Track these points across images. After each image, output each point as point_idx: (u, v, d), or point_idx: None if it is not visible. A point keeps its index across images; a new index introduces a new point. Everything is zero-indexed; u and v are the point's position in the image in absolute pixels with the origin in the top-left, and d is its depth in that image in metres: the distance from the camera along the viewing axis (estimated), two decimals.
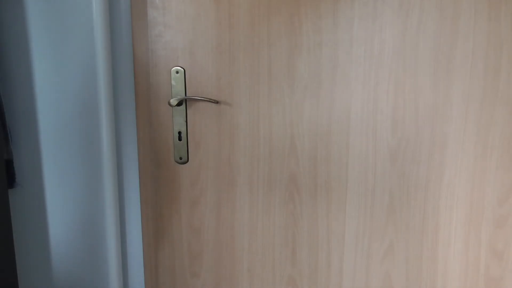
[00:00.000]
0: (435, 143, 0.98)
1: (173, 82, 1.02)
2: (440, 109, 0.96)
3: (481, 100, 0.95)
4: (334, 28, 0.96)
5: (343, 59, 0.97)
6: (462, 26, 0.92)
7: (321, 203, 1.04)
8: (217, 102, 1.02)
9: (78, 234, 1.08)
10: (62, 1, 0.97)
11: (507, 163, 0.96)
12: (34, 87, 1.01)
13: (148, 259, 1.13)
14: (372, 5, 0.94)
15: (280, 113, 1.01)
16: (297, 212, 1.06)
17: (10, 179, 1.03)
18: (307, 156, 1.02)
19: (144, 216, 1.11)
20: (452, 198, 1.00)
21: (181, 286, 1.13)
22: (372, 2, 0.94)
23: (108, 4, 0.98)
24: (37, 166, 1.04)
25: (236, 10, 0.98)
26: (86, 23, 0.97)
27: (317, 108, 1.00)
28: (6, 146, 1.00)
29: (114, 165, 1.05)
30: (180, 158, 1.06)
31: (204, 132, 1.04)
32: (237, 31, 0.99)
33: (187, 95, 1.03)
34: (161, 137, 1.06)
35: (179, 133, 1.04)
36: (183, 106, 1.03)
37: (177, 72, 1.02)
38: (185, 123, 1.04)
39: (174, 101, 1.00)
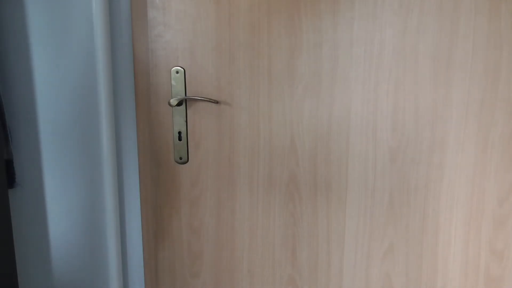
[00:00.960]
0: (435, 143, 0.98)
1: (173, 82, 1.02)
2: (440, 109, 0.96)
3: (481, 100, 0.95)
4: (334, 28, 0.96)
5: (343, 59, 0.97)
6: (462, 26, 0.92)
7: (321, 203, 1.04)
8: (217, 102, 1.02)
9: (78, 234, 1.08)
10: (62, 1, 0.97)
11: (507, 163, 0.96)
12: (34, 87, 1.01)
13: (148, 259, 1.13)
14: (372, 5, 0.94)
15: (280, 113, 1.01)
16: (297, 212, 1.06)
17: (10, 179, 1.03)
18: (307, 156, 1.02)
19: (144, 216, 1.11)
20: (452, 198, 1.00)
21: (181, 286, 1.13)
22: (372, 2, 0.94)
23: (108, 4, 0.98)
24: (37, 166, 1.04)
25: (236, 10, 0.98)
26: (86, 23, 0.97)
27: (317, 108, 1.00)
28: (6, 146, 1.00)
29: (114, 165, 1.05)
30: (180, 158, 1.06)
31: (204, 132, 1.04)
32: (237, 31, 0.99)
33: (187, 95, 1.03)
34: (161, 137, 1.06)
35: (179, 133, 1.04)
36: (183, 106, 1.03)
37: (177, 72, 1.02)
38: (185, 123, 1.04)
39: (174, 101, 1.00)
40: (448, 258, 1.03)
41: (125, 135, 1.06)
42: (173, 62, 1.01)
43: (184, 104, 1.03)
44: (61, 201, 1.06)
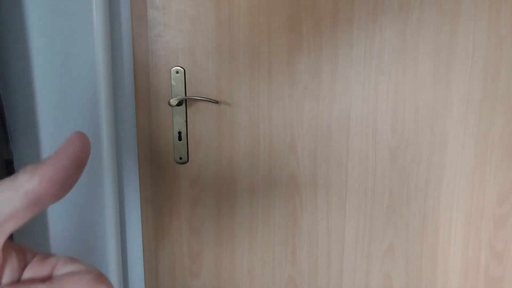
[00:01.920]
0: (435, 143, 0.98)
1: (173, 82, 1.02)
2: (440, 109, 0.96)
3: (481, 100, 0.95)
4: (334, 28, 0.96)
5: (343, 59, 0.97)
6: (462, 26, 0.92)
7: (321, 203, 1.04)
8: (217, 102, 1.02)
9: (78, 234, 1.08)
10: (62, 1, 0.97)
11: (507, 163, 0.96)
12: (34, 87, 1.01)
13: (148, 259, 1.13)
14: (372, 5, 0.94)
15: (280, 113, 1.01)
16: (297, 212, 1.05)
17: None
18: (307, 156, 1.02)
19: (144, 216, 1.11)
20: (452, 198, 1.00)
21: (181, 286, 1.13)
22: (372, 2, 0.94)
23: (108, 4, 0.98)
24: None
25: (236, 10, 0.98)
26: (86, 23, 0.97)
27: (317, 108, 1.00)
28: (6, 146, 1.00)
29: (114, 165, 1.05)
30: (180, 158, 1.06)
31: (204, 132, 1.04)
32: (237, 31, 0.99)
33: (187, 95, 1.02)
34: (161, 137, 1.06)
35: (179, 133, 1.04)
36: (183, 106, 1.03)
37: (177, 72, 1.01)
38: (185, 123, 1.04)
39: (174, 101, 1.00)
40: (448, 258, 1.03)
41: (125, 135, 1.06)
42: (173, 62, 1.01)
43: (184, 104, 1.03)
44: (61, 201, 1.06)
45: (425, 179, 1.00)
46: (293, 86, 1.00)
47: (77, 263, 0.22)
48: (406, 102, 0.97)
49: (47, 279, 0.21)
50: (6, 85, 1.01)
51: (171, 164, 1.07)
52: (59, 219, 1.07)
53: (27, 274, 0.21)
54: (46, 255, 0.22)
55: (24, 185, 0.18)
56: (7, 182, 0.18)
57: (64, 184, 0.19)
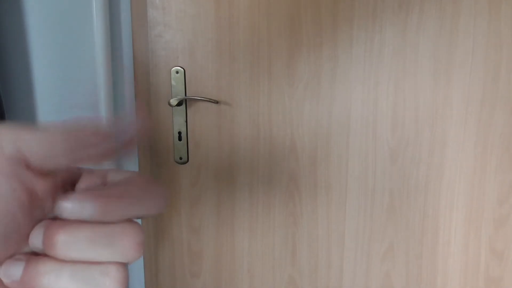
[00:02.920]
0: (435, 143, 0.98)
1: (173, 82, 1.02)
2: (440, 109, 0.96)
3: (481, 100, 0.95)
4: (334, 28, 0.96)
5: (343, 59, 0.97)
6: (462, 26, 0.92)
7: (321, 203, 1.04)
8: (217, 102, 1.02)
9: None
10: (62, 1, 0.97)
11: (507, 163, 0.96)
12: (34, 87, 1.01)
13: (148, 259, 1.13)
14: (372, 5, 0.94)
15: (280, 112, 1.01)
16: (297, 212, 1.05)
17: None
18: (307, 156, 1.02)
19: None
20: (452, 198, 1.00)
21: (181, 286, 1.13)
22: (372, 2, 0.94)
23: (108, 4, 0.98)
24: None
25: (236, 10, 0.98)
26: (86, 23, 0.97)
27: (317, 108, 1.00)
28: None
29: (114, 165, 1.05)
30: (180, 158, 1.06)
31: (204, 132, 1.04)
32: (237, 31, 0.99)
33: (187, 95, 1.02)
34: (161, 137, 1.06)
35: (179, 133, 1.04)
36: (183, 106, 1.03)
37: (177, 72, 1.01)
38: (185, 123, 1.04)
39: (174, 101, 1.00)
40: (448, 258, 1.03)
41: None
42: (173, 62, 1.01)
43: (184, 104, 1.03)
44: None
45: (425, 179, 1.00)
46: (293, 86, 1.00)
47: (125, 171, 0.23)
48: (406, 102, 0.97)
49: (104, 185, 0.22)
50: (6, 85, 1.01)
51: (171, 164, 1.07)
52: None
53: (81, 185, 0.22)
54: (91, 170, 0.23)
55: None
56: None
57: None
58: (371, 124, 0.99)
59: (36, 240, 0.20)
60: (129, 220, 0.20)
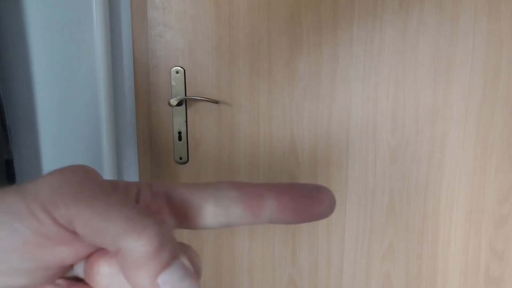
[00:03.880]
0: (435, 143, 0.98)
1: (173, 82, 1.02)
2: (440, 109, 0.96)
3: (481, 100, 0.95)
4: (334, 28, 0.96)
5: (343, 59, 0.97)
6: (462, 26, 0.92)
7: None
8: (217, 102, 1.02)
9: None
10: (62, 1, 0.97)
11: (507, 163, 0.96)
12: (34, 87, 1.01)
13: None
14: (372, 5, 0.94)
15: (280, 113, 1.01)
16: None
17: (10, 179, 1.02)
18: (307, 156, 1.02)
19: None
20: (452, 198, 1.00)
21: None
22: (372, 2, 0.94)
23: (108, 4, 0.98)
24: (37, 166, 1.04)
25: (236, 10, 0.98)
26: (86, 23, 0.97)
27: (317, 108, 1.00)
28: (6, 146, 1.00)
29: (115, 165, 1.05)
30: (180, 158, 1.06)
31: (204, 132, 1.04)
32: (237, 31, 0.99)
33: (187, 95, 1.02)
34: (161, 137, 1.06)
35: (179, 133, 1.04)
36: (183, 106, 1.03)
37: (177, 72, 1.01)
38: (185, 123, 1.04)
39: (174, 101, 1.00)
40: (448, 257, 1.03)
41: (125, 135, 1.06)
42: (173, 62, 1.01)
43: (184, 104, 1.03)
44: None
45: (425, 179, 1.00)
46: (293, 86, 1.00)
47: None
48: (406, 102, 0.97)
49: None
50: (6, 85, 1.01)
51: (171, 164, 1.07)
52: None
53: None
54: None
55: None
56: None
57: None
58: (371, 124, 0.99)
59: (79, 267, 0.19)
60: None
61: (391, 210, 1.02)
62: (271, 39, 0.98)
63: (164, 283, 0.16)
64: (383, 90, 0.97)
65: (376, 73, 0.96)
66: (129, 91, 1.05)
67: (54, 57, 0.99)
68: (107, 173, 1.03)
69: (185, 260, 0.17)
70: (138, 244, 0.16)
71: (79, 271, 0.19)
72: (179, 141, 1.05)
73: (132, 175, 1.09)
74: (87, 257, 0.18)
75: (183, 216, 0.19)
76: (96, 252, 0.18)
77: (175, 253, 0.16)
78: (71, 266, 0.19)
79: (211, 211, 0.19)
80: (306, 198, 0.19)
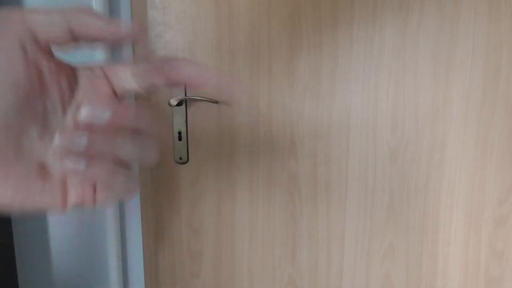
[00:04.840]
0: (435, 143, 0.98)
1: None
2: (440, 109, 0.96)
3: (481, 100, 0.95)
4: (333, 28, 0.96)
5: (343, 59, 0.97)
6: (462, 26, 0.92)
7: (321, 203, 1.04)
8: (217, 102, 1.02)
9: (78, 234, 1.08)
10: (62, 1, 0.97)
11: (507, 163, 0.96)
12: None
13: (148, 259, 1.13)
14: (372, 5, 0.94)
15: (280, 113, 1.01)
16: (297, 212, 1.05)
17: None
18: (307, 156, 1.02)
19: (144, 216, 1.11)
20: (452, 198, 1.00)
21: (181, 286, 1.13)
22: (372, 2, 0.94)
23: (108, 4, 0.98)
24: None
25: (236, 10, 0.98)
26: None
27: (317, 108, 1.00)
28: None
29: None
30: (180, 158, 1.06)
31: (204, 132, 1.04)
32: (237, 31, 0.99)
33: (187, 95, 1.02)
34: (161, 137, 1.06)
35: (179, 133, 1.04)
36: (183, 106, 1.03)
37: None
38: (185, 123, 1.04)
39: (174, 101, 1.00)
40: (448, 258, 1.03)
41: None
42: None
43: (184, 104, 1.03)
44: None
45: (425, 179, 1.00)
46: (293, 86, 1.00)
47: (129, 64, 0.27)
48: (406, 102, 0.97)
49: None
50: None
51: (171, 164, 1.07)
52: (59, 219, 1.07)
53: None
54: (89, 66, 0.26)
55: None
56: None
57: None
58: (371, 124, 0.99)
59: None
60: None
61: (391, 210, 1.02)
62: (271, 39, 0.98)
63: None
64: (383, 90, 0.97)
65: (376, 73, 0.96)
66: None
67: None
68: None
69: None
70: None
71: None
72: (179, 141, 1.05)
73: None
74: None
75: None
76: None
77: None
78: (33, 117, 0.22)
79: (129, 74, 0.25)
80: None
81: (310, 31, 0.97)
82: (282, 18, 0.97)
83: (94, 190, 0.24)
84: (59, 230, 1.08)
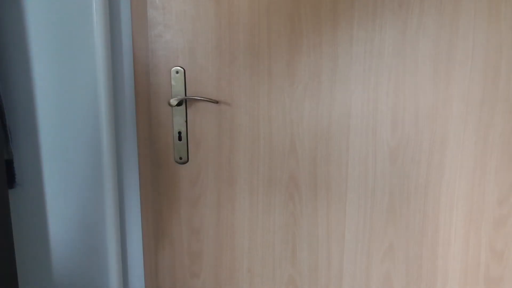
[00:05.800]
0: (435, 143, 0.98)
1: (173, 82, 1.02)
2: (440, 109, 0.96)
3: (481, 100, 0.95)
4: (334, 28, 0.96)
5: (343, 59, 0.97)
6: (462, 26, 0.92)
7: (321, 203, 1.04)
8: (217, 102, 1.02)
9: (78, 234, 1.08)
10: (62, 1, 0.97)
11: (507, 163, 0.96)
12: (34, 87, 1.01)
13: (148, 259, 1.13)
14: (372, 5, 0.94)
15: (280, 113, 1.01)
16: (297, 212, 1.06)
17: (10, 179, 1.02)
18: (307, 156, 1.02)
19: (144, 216, 1.11)
20: (452, 198, 1.00)
21: (181, 286, 1.13)
22: (372, 2, 0.94)
23: (108, 4, 0.98)
24: (37, 166, 1.04)
25: (236, 10, 0.98)
26: (86, 23, 0.97)
27: (317, 108, 1.00)
28: (6, 146, 1.00)
29: (114, 165, 1.05)
30: (180, 158, 1.06)
31: (204, 132, 1.04)
32: (237, 31, 0.99)
33: (187, 95, 1.03)
34: (161, 137, 1.06)
35: (179, 133, 1.04)
36: (183, 106, 1.03)
37: (177, 72, 1.02)
38: (185, 123, 1.04)
39: (174, 101, 1.00)
40: (448, 258, 1.03)
41: (125, 135, 1.06)
42: (173, 62, 1.01)
43: (184, 104, 1.03)
44: (61, 201, 1.06)
45: (425, 179, 1.00)
46: (293, 86, 1.00)
47: None
48: (406, 102, 0.97)
49: None
50: (6, 85, 1.01)
51: (171, 164, 1.07)
52: (59, 219, 1.07)
53: None
54: None
55: None
56: None
57: None
58: (371, 124, 0.99)
59: None
60: None
61: (391, 210, 1.02)
62: (271, 39, 0.98)
63: None
64: (383, 90, 0.97)
65: (376, 73, 0.97)
66: (129, 91, 1.05)
67: (54, 57, 0.99)
68: (107, 173, 1.03)
69: None
70: None
71: None
72: (179, 141, 1.05)
73: (132, 175, 1.09)
74: None
75: None
76: None
77: None
78: None
79: None
80: None
81: (310, 31, 0.97)
82: (282, 18, 0.97)
83: None
84: (59, 230, 1.08)
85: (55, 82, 1.00)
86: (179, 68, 1.01)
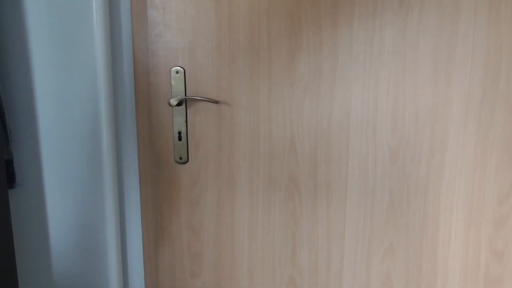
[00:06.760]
0: (435, 143, 0.98)
1: (173, 82, 1.02)
2: (440, 109, 0.96)
3: (481, 100, 0.95)
4: (333, 28, 0.96)
5: (343, 59, 0.97)
6: (462, 26, 0.92)
7: (321, 203, 1.04)
8: (217, 102, 1.02)
9: (78, 234, 1.08)
10: (62, 1, 0.97)
11: (507, 163, 0.96)
12: (34, 87, 1.01)
13: (148, 259, 1.13)
14: (372, 5, 0.94)
15: (280, 113, 1.01)
16: (297, 212, 1.06)
17: (10, 179, 1.03)
18: (307, 156, 1.02)
19: (144, 216, 1.11)
20: (452, 198, 1.00)
21: (181, 286, 1.13)
22: (372, 2, 0.94)
23: (108, 4, 0.98)
24: (37, 166, 1.04)
25: (236, 10, 0.98)
26: (86, 23, 0.97)
27: (317, 108, 1.00)
28: (6, 146, 1.00)
29: (114, 165, 1.05)
30: (180, 158, 1.06)
31: (204, 132, 1.04)
32: (237, 31, 0.99)
33: (187, 95, 1.03)
34: (161, 137, 1.06)
35: (179, 133, 1.04)
36: (183, 106, 1.03)
37: (177, 72, 1.02)
38: (185, 123, 1.04)
39: (174, 101, 1.00)
40: (448, 258, 1.03)
41: (125, 135, 1.06)
42: (173, 62, 1.01)
43: (184, 104, 1.03)
44: (61, 201, 1.06)
45: (425, 179, 1.00)
46: (293, 86, 1.00)
47: None
48: (406, 102, 0.97)
49: None
50: (6, 85, 1.01)
51: (171, 164, 1.07)
52: (59, 219, 1.07)
53: None
54: None
55: None
56: None
57: None
58: (371, 124, 0.99)
59: None
60: None
61: (391, 210, 1.02)
62: (271, 39, 0.98)
63: None
64: (383, 90, 0.97)
65: (376, 73, 0.97)
66: (129, 91, 1.05)
67: (54, 57, 0.99)
68: (107, 173, 1.03)
69: None
70: None
71: None
72: (179, 141, 1.05)
73: (132, 175, 1.09)
74: None
75: None
76: None
77: None
78: None
79: None
80: None
81: (310, 31, 0.97)
82: (282, 18, 0.97)
83: None
84: (59, 230, 1.08)
85: (55, 82, 1.00)
86: (179, 68, 1.01)
